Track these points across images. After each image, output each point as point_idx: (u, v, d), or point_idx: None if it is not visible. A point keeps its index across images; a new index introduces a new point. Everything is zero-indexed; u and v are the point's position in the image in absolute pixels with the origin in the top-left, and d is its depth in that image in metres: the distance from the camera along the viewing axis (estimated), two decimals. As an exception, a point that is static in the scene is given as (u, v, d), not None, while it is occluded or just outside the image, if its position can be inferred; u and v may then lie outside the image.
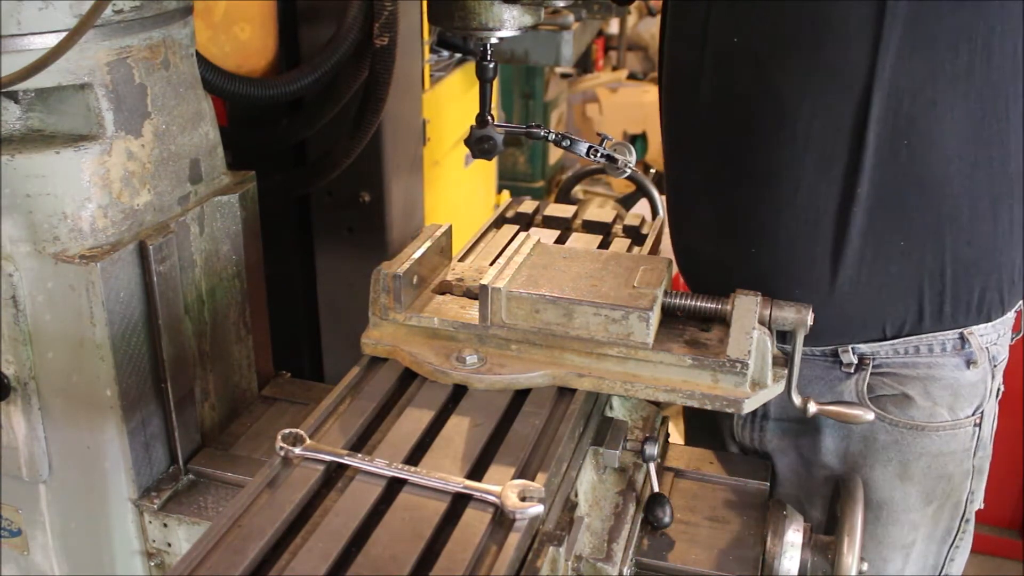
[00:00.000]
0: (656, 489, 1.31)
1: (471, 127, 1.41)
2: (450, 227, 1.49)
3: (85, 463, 1.40)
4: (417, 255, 1.37)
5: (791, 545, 1.31)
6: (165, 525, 1.42)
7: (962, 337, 1.55)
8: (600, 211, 1.77)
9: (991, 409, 1.63)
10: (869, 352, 1.57)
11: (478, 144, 1.41)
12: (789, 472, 1.67)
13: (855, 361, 1.57)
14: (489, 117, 1.40)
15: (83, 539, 1.46)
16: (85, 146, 1.30)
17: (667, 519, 1.30)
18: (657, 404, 1.45)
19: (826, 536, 1.36)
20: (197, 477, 1.49)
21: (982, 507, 1.70)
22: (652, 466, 1.31)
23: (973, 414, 1.58)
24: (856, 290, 1.52)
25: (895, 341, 1.55)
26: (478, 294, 1.30)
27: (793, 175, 1.50)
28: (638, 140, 6.56)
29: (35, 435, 1.39)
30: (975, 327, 1.55)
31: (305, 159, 2.25)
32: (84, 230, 1.32)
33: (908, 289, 1.52)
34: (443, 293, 1.40)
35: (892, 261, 1.50)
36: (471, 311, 1.33)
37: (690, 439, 2.00)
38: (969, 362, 1.56)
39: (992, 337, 1.57)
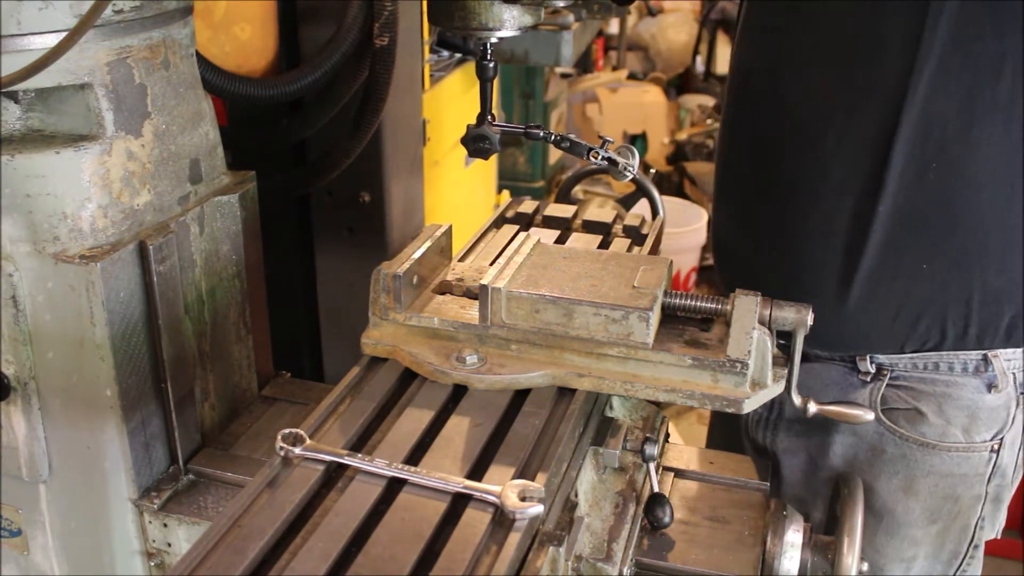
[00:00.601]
0: (656, 489, 1.31)
1: (468, 126, 1.41)
2: (450, 227, 1.48)
3: (85, 463, 1.40)
4: (417, 255, 1.37)
5: (791, 545, 1.31)
6: (165, 525, 1.42)
7: (985, 359, 1.51)
8: (600, 211, 1.76)
9: (1015, 436, 1.57)
10: (887, 363, 1.55)
11: (474, 143, 1.41)
12: (795, 472, 1.67)
13: (872, 371, 1.55)
14: (490, 116, 1.40)
15: (83, 539, 1.46)
16: (85, 146, 1.30)
17: (667, 519, 1.30)
18: (657, 404, 1.45)
19: (826, 536, 1.36)
20: (197, 477, 1.49)
21: (997, 537, 1.66)
22: (652, 466, 1.31)
23: (991, 439, 1.54)
24: (870, 306, 1.50)
25: (914, 355, 1.53)
26: (478, 294, 1.30)
27: (813, 185, 1.50)
28: (638, 140, 6.56)
29: (35, 435, 1.39)
30: (1000, 350, 1.51)
31: (305, 159, 2.25)
32: (84, 230, 1.32)
33: (930, 312, 1.49)
34: (443, 293, 1.40)
35: (913, 282, 1.47)
36: (471, 311, 1.33)
37: (712, 440, 2.01)
38: (990, 385, 1.52)
39: (1019, 363, 1.52)
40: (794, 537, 1.32)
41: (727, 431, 1.87)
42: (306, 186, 2.21)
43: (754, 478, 1.46)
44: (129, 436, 1.38)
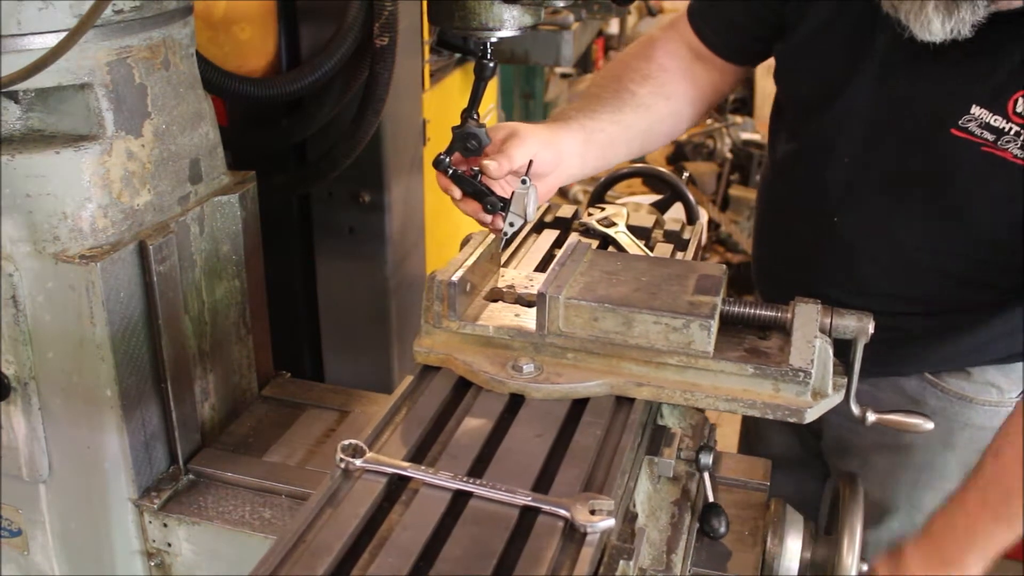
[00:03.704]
0: (711, 499, 1.29)
1: (452, 128, 1.41)
2: (498, 235, 1.44)
3: (85, 463, 1.40)
4: (470, 262, 1.31)
5: (791, 545, 1.31)
6: (165, 525, 1.42)
7: None
8: (640, 216, 1.71)
9: None
10: None
11: (462, 143, 1.41)
12: (834, 426, 1.76)
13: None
14: (475, 114, 1.39)
15: (83, 539, 1.46)
16: (85, 146, 1.30)
17: (723, 529, 1.28)
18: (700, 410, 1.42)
19: (826, 536, 1.36)
20: (197, 477, 1.49)
21: None
22: (707, 475, 1.29)
23: (1017, 395, 1.67)
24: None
25: None
26: (532, 301, 1.26)
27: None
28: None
29: (35, 435, 1.39)
30: None
31: (305, 159, 2.25)
32: (84, 230, 1.32)
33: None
34: (494, 300, 1.36)
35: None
36: (525, 319, 1.28)
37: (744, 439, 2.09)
38: None
39: None
40: (794, 537, 1.31)
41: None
42: (306, 186, 2.21)
43: (755, 479, 1.45)
44: (129, 436, 1.38)
